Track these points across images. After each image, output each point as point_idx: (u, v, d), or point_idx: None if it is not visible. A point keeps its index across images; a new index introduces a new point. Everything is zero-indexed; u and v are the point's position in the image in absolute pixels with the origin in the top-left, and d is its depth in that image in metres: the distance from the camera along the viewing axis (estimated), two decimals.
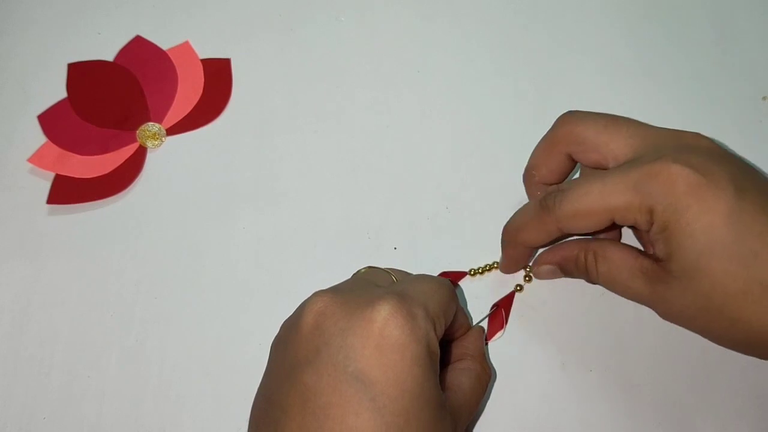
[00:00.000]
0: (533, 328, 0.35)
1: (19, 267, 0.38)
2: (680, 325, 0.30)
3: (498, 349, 0.34)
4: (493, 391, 0.33)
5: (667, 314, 0.30)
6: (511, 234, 0.33)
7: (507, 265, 0.35)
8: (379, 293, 0.27)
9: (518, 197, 0.37)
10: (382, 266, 0.33)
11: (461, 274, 0.36)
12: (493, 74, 0.43)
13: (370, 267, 0.32)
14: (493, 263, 0.36)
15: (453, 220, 0.38)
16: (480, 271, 0.36)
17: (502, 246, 0.34)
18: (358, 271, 0.32)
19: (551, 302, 0.35)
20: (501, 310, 0.34)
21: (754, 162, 0.38)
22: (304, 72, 0.43)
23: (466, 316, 0.33)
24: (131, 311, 0.37)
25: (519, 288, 0.35)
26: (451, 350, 0.32)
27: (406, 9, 0.45)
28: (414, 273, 0.35)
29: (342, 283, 0.31)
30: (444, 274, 0.36)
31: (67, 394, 0.35)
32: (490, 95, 0.42)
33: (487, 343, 0.34)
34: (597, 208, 0.29)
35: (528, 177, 0.35)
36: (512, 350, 0.34)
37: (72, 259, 0.38)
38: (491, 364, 0.34)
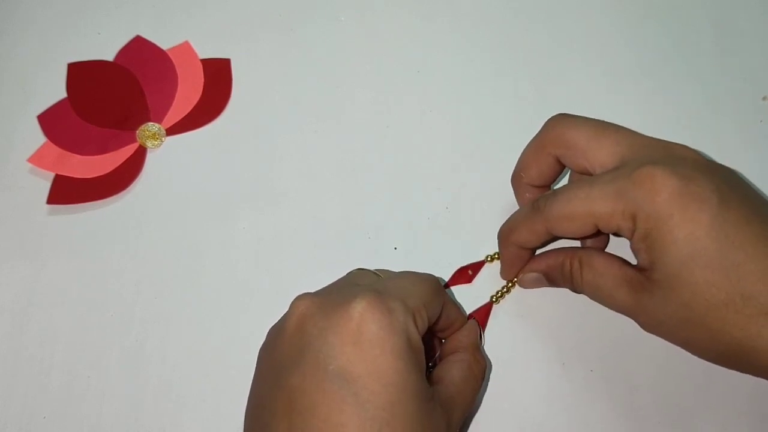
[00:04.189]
0: (533, 328, 0.35)
1: (19, 267, 0.38)
2: (663, 337, 0.30)
3: (498, 348, 0.34)
4: (493, 390, 0.33)
5: (649, 325, 0.30)
6: (504, 235, 0.33)
7: (504, 269, 0.35)
8: (356, 291, 0.27)
9: None
10: (382, 266, 0.33)
11: (480, 264, 0.36)
12: (493, 74, 0.43)
13: (360, 269, 0.32)
14: None
15: (453, 220, 0.38)
16: (496, 256, 0.36)
17: (499, 250, 0.34)
18: (350, 272, 0.32)
19: (552, 302, 0.35)
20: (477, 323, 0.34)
21: (754, 162, 0.38)
22: (304, 72, 0.43)
23: (460, 312, 0.33)
24: (131, 311, 0.37)
25: (496, 299, 0.35)
26: (445, 346, 0.32)
27: (406, 9, 0.45)
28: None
29: (327, 285, 0.31)
30: (464, 269, 0.36)
31: (67, 394, 0.35)
32: (490, 95, 0.42)
33: (482, 338, 0.34)
34: (581, 213, 0.29)
35: (516, 178, 0.35)
36: (513, 350, 0.34)
37: (72, 259, 0.38)
38: (487, 357, 0.34)
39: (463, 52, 0.44)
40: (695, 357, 0.33)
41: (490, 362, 0.34)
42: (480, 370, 0.31)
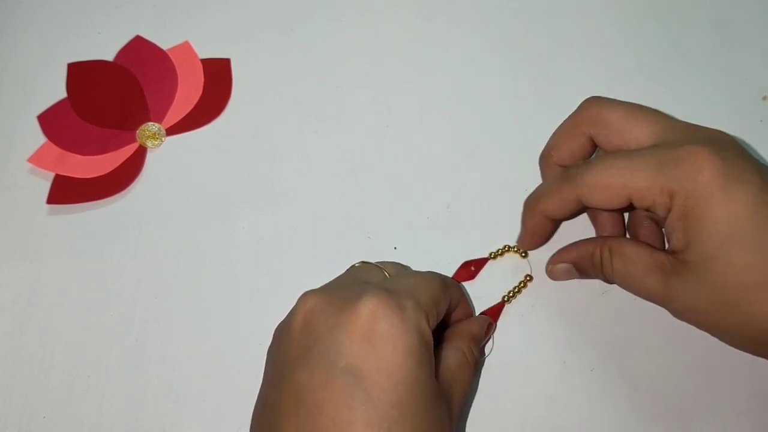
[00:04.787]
0: (534, 327, 0.35)
1: (19, 267, 0.38)
2: (692, 322, 0.29)
3: (500, 348, 0.34)
4: (494, 389, 0.33)
5: (680, 311, 0.29)
6: (531, 203, 0.33)
7: (524, 239, 0.35)
8: (366, 288, 0.27)
9: (518, 196, 0.37)
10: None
11: (483, 261, 0.36)
12: (493, 74, 0.43)
13: (363, 262, 0.32)
14: (513, 247, 0.36)
15: (453, 220, 0.38)
16: (500, 252, 0.36)
17: (522, 218, 0.34)
18: (352, 266, 0.32)
19: (552, 301, 0.35)
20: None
21: None
22: (304, 72, 0.43)
23: (469, 309, 0.34)
24: (131, 311, 0.37)
25: (507, 299, 0.35)
26: (449, 331, 0.32)
27: (406, 9, 0.45)
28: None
29: (332, 280, 0.31)
30: (466, 264, 0.36)
31: (67, 394, 0.35)
32: (490, 95, 0.42)
33: (492, 337, 0.34)
34: (617, 182, 0.28)
35: (546, 157, 0.34)
36: (513, 349, 0.34)
37: (72, 259, 0.38)
38: (487, 357, 0.34)
39: (463, 52, 0.44)
40: (695, 357, 0.33)
41: (483, 361, 0.34)
42: (473, 360, 0.30)
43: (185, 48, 0.45)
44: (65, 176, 0.41)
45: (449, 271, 0.36)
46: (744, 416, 0.32)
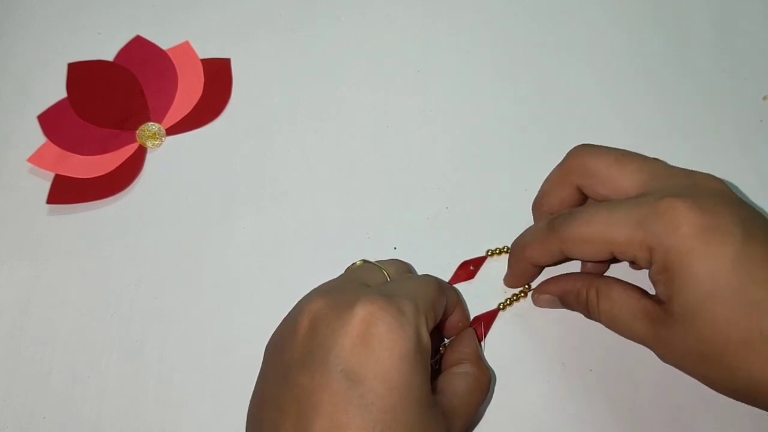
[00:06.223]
0: (533, 328, 0.35)
1: (19, 267, 0.38)
2: (681, 369, 0.29)
3: (498, 349, 0.34)
4: (492, 390, 0.33)
5: (667, 357, 0.29)
6: (518, 249, 0.33)
7: (511, 280, 0.35)
8: (367, 292, 0.27)
9: (518, 197, 0.37)
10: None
11: (481, 260, 0.36)
12: (493, 74, 0.43)
13: (364, 261, 0.32)
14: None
15: (453, 220, 0.38)
16: (497, 252, 0.36)
17: (509, 260, 0.34)
18: (353, 264, 0.33)
19: None
20: (481, 325, 0.34)
21: (754, 162, 0.38)
22: (304, 72, 0.43)
23: (465, 312, 0.34)
24: (131, 311, 0.37)
25: (503, 306, 0.35)
26: (446, 357, 0.32)
27: (406, 9, 0.45)
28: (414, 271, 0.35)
29: (333, 280, 0.31)
30: (465, 264, 0.36)
31: (67, 394, 0.35)
32: (489, 95, 0.42)
33: (481, 344, 0.34)
34: (598, 237, 0.28)
35: (537, 206, 0.34)
36: (512, 350, 0.34)
37: (72, 259, 0.38)
38: (490, 367, 0.34)
39: (463, 52, 0.44)
40: None
41: (493, 372, 0.34)
42: (486, 382, 0.31)
43: (185, 48, 0.45)
44: (65, 176, 0.41)
45: (449, 271, 0.36)
46: (744, 417, 0.32)
